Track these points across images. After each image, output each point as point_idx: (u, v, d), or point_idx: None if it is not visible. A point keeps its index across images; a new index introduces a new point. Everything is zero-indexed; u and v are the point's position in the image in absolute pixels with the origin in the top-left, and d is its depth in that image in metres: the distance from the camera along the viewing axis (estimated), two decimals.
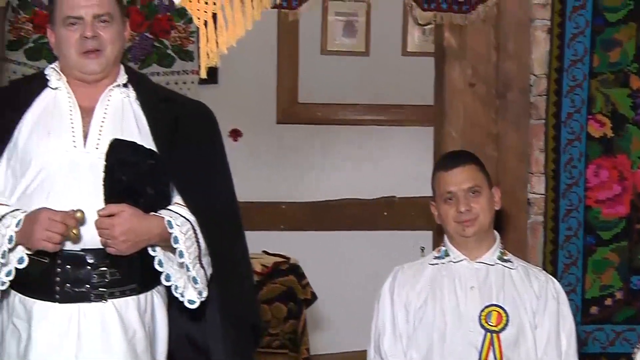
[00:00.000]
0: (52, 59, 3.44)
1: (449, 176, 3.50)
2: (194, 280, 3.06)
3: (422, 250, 4.82)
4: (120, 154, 3.02)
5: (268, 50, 5.96)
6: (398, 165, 6.02)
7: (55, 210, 2.95)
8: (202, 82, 5.31)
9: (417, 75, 5.45)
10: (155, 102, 3.18)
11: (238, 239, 3.22)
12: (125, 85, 3.17)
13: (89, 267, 3.00)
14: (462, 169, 3.51)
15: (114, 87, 3.14)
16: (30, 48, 5.54)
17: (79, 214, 2.95)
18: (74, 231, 2.95)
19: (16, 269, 3.01)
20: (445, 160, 3.63)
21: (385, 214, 6.09)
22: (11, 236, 2.97)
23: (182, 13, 5.55)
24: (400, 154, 6.04)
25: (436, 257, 3.57)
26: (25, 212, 2.99)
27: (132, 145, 3.05)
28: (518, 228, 4.04)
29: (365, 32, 6.06)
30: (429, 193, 3.60)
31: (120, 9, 3.15)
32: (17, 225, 2.97)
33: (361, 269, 5.75)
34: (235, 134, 5.91)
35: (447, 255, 3.54)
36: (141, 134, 3.09)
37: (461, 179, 3.49)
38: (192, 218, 3.06)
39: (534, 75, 4.04)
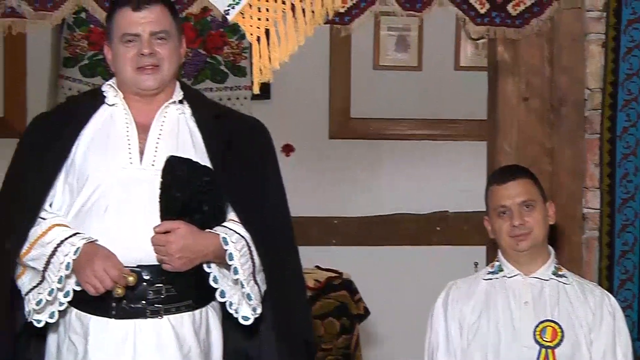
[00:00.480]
0: (106, 75, 3.47)
1: (502, 190, 3.49)
2: (248, 297, 3.07)
3: (475, 265, 4.79)
4: (176, 171, 3.04)
5: (320, 66, 5.96)
6: (451, 180, 5.98)
7: (113, 260, 2.98)
8: (255, 97, 5.35)
9: (470, 90, 5.43)
10: (210, 119, 3.20)
11: (292, 255, 3.23)
12: (180, 102, 3.19)
13: (145, 284, 3.03)
14: (516, 183, 3.49)
15: (169, 103, 3.17)
16: (86, 65, 5.60)
17: (131, 279, 2.98)
18: (119, 291, 2.99)
19: (74, 289, 3.05)
20: (498, 175, 3.62)
21: (438, 229, 6.06)
22: (68, 263, 3.01)
23: (235, 29, 5.59)
24: (453, 169, 6.01)
25: (490, 272, 3.56)
26: (84, 238, 3.02)
27: (188, 162, 3.07)
28: (573, 243, 4.00)
29: (418, 47, 6.04)
30: (482, 208, 3.59)
31: (176, 26, 3.17)
32: (75, 253, 3.00)
33: (414, 284, 5.72)
34: (288, 149, 5.92)
35: (501, 270, 3.53)
36: (196, 151, 3.11)
37: (515, 192, 3.47)
38: (246, 235, 3.08)
39: (589, 89, 4.00)
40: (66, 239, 3.02)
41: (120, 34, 3.11)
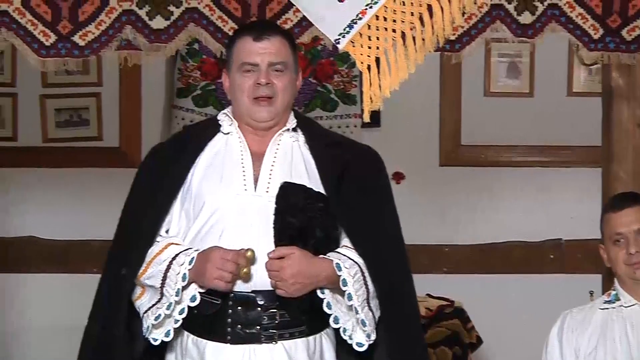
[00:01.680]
0: (218, 105, 3.53)
1: (618, 217, 3.46)
2: (363, 323, 3.07)
3: (591, 294, 4.72)
4: (290, 197, 3.07)
5: (431, 93, 5.96)
6: (564, 207, 5.92)
7: (227, 249, 3.02)
8: (365, 125, 5.37)
9: (583, 116, 5.37)
10: (324, 146, 3.22)
11: (406, 282, 3.22)
12: (294, 130, 3.23)
13: (259, 309, 3.05)
14: (632, 210, 3.46)
15: (283, 131, 3.20)
16: (198, 95, 5.70)
17: (249, 253, 3.01)
18: (245, 270, 3.02)
19: (189, 307, 3.08)
20: (614, 202, 3.59)
21: (552, 257, 5.99)
22: (184, 274, 3.05)
23: (344, 57, 5.63)
24: (567, 196, 5.94)
25: (606, 302, 3.52)
26: (197, 250, 3.08)
27: (302, 188, 3.10)
28: None
29: (530, 73, 6.00)
30: (597, 235, 3.55)
31: (294, 58, 3.21)
32: (190, 263, 3.05)
33: (527, 313, 5.67)
34: (398, 176, 5.92)
35: (617, 299, 3.49)
36: (310, 178, 3.13)
37: (631, 220, 3.45)
38: (360, 261, 3.08)
39: None
40: (181, 252, 3.08)
41: (240, 63, 3.16)
